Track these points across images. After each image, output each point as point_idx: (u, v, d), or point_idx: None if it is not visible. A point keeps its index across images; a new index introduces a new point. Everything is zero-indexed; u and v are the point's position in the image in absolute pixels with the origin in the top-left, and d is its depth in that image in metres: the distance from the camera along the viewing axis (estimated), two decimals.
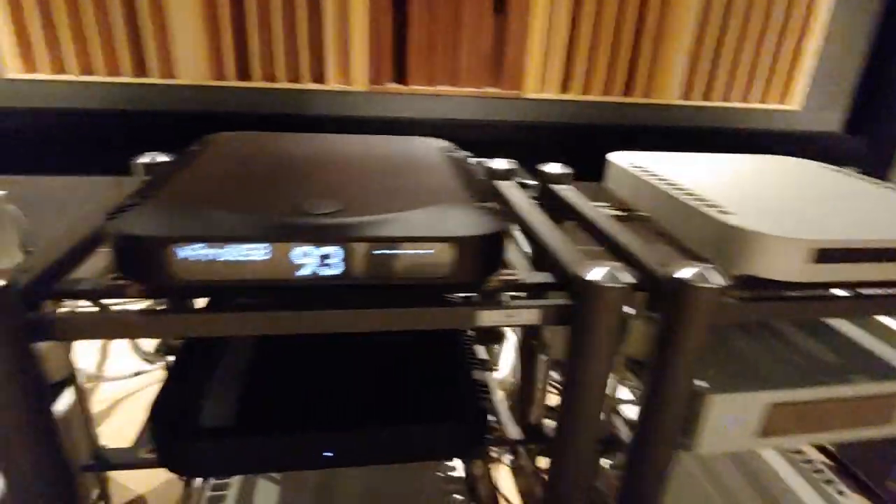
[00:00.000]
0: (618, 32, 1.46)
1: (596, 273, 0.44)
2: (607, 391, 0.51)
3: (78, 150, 1.39)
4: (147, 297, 0.43)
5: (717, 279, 0.44)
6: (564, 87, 1.50)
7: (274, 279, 0.41)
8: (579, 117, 1.52)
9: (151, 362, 1.19)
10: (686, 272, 0.44)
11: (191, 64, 1.36)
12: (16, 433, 0.42)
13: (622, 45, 1.47)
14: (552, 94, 1.49)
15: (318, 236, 0.41)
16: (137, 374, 1.14)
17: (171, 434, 0.48)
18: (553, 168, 0.74)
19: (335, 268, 0.41)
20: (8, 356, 0.40)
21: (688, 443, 0.56)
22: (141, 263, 0.40)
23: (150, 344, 1.28)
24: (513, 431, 0.59)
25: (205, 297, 0.45)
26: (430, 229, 0.42)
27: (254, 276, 0.41)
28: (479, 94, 1.48)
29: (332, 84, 1.42)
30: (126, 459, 0.54)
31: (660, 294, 0.48)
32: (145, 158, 0.68)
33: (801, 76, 1.53)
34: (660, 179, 0.64)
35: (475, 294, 0.46)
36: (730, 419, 0.55)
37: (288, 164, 0.54)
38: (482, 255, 0.43)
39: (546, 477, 0.55)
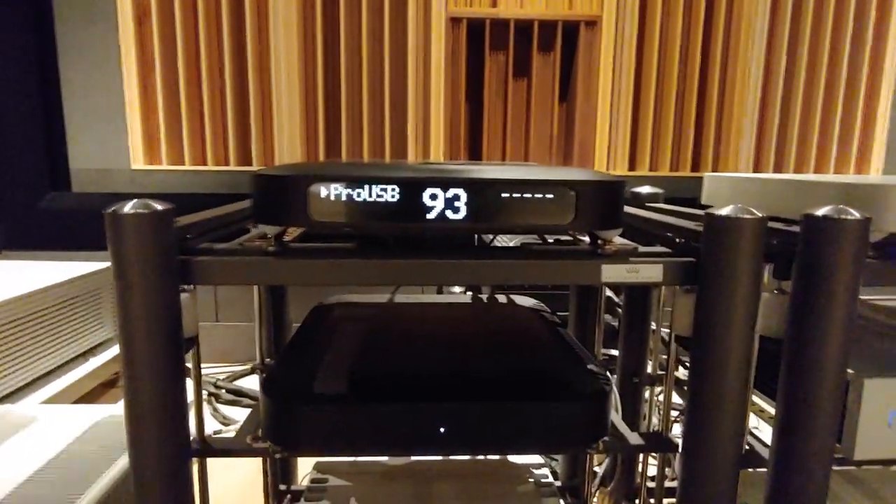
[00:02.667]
0: (680, 110, 1.53)
1: (727, 209, 0.43)
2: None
3: None
4: (282, 246, 0.45)
5: (856, 213, 0.41)
6: (632, 165, 1.55)
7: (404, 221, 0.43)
8: None
9: (227, 424, 1.18)
10: (823, 210, 0.42)
11: (286, 151, 1.51)
12: (150, 377, 0.43)
13: (686, 122, 1.53)
14: (622, 172, 1.54)
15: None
16: (216, 433, 1.13)
17: (283, 403, 0.47)
18: (645, 189, 0.75)
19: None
20: (163, 295, 0.42)
21: (838, 449, 0.49)
22: (281, 204, 0.43)
23: (227, 410, 1.28)
24: (630, 437, 0.54)
25: (338, 240, 0.47)
26: (546, 173, 0.44)
27: (385, 215, 0.43)
28: None
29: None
30: (232, 446, 0.53)
31: (790, 253, 0.45)
32: None
33: (877, 144, 1.52)
34: (765, 177, 0.63)
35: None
36: (893, 414, 0.48)
37: None
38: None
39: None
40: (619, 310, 0.83)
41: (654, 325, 0.75)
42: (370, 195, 0.42)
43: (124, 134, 1.51)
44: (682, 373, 0.53)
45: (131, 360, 0.43)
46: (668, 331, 0.57)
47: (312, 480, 0.73)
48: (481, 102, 1.53)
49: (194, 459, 0.50)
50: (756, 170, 1.53)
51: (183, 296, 0.45)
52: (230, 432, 1.16)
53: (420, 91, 1.50)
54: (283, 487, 0.83)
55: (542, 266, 0.44)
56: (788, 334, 0.46)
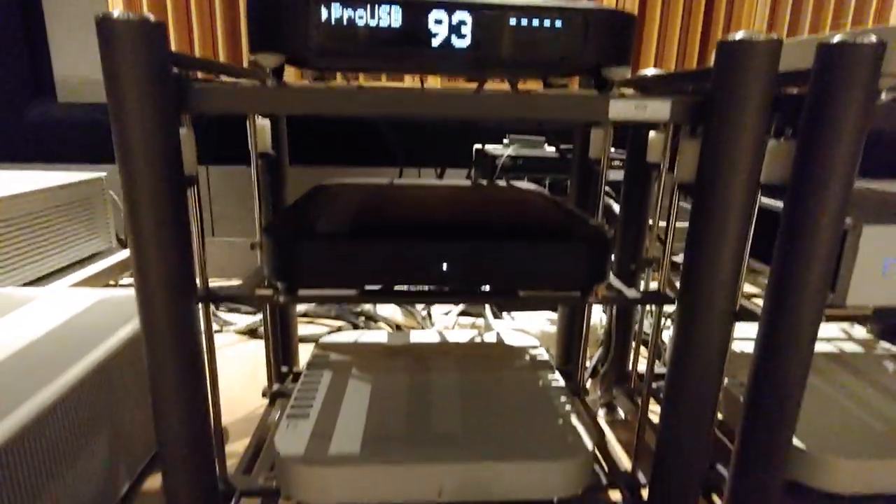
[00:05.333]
0: None
1: (740, 34, 0.42)
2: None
3: None
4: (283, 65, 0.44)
5: (872, 37, 0.40)
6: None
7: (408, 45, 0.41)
8: None
9: (227, 323, 1.20)
10: (838, 37, 0.41)
11: None
12: (154, 209, 0.42)
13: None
14: None
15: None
16: (216, 331, 1.15)
17: (287, 240, 0.47)
18: (650, 70, 0.74)
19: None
20: (161, 123, 0.41)
21: (831, 296, 0.50)
22: (279, 29, 0.41)
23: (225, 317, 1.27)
24: (627, 292, 0.55)
25: (341, 66, 0.45)
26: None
27: (388, 41, 0.41)
28: None
29: None
30: (237, 293, 0.53)
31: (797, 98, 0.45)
32: None
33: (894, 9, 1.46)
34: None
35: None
36: (888, 261, 0.49)
37: None
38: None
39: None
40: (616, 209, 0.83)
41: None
42: (373, 17, 0.41)
43: None
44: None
45: (133, 195, 0.42)
46: (664, 224, 0.57)
47: (314, 356, 0.74)
48: None
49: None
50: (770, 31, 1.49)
51: (181, 130, 0.44)
52: (229, 332, 1.18)
53: None
54: (284, 369, 0.85)
55: (550, 100, 0.43)
56: (792, 178, 0.46)
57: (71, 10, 1.46)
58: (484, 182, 0.76)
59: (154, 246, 0.44)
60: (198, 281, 0.50)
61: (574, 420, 0.61)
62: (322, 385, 0.66)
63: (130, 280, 1.28)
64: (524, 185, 0.76)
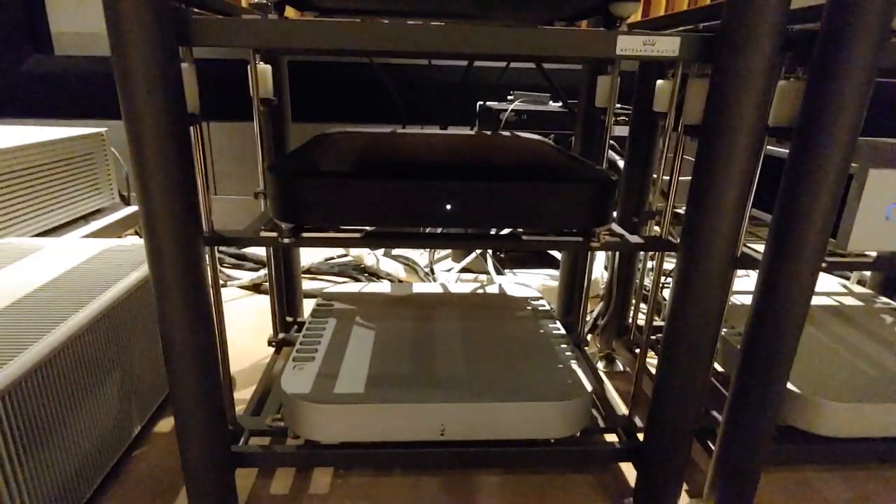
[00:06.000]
0: None
1: None
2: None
3: None
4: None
5: None
6: None
7: None
8: None
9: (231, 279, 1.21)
10: None
11: None
12: (158, 147, 0.42)
13: None
14: None
15: None
16: (222, 285, 1.16)
17: (292, 177, 0.47)
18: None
19: None
20: (162, 58, 0.40)
21: (832, 244, 0.50)
22: None
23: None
24: (630, 237, 0.55)
25: (342, 7, 0.45)
26: None
27: None
28: None
29: None
30: (241, 234, 0.53)
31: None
32: None
33: None
34: None
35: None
36: (891, 206, 0.49)
37: None
38: None
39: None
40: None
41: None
42: None
43: None
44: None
45: (137, 133, 0.42)
46: (668, 177, 0.57)
47: (318, 304, 0.75)
48: None
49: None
50: None
51: (182, 65, 0.43)
52: (233, 286, 1.19)
53: None
54: (289, 319, 0.87)
55: (556, 36, 0.43)
56: (800, 119, 0.45)
57: None
58: (488, 133, 0.76)
59: (160, 186, 0.44)
60: (203, 224, 0.51)
61: (574, 365, 0.62)
62: (327, 331, 0.67)
63: (134, 238, 1.29)
64: (528, 135, 0.75)
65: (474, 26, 0.42)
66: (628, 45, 0.43)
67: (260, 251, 1.33)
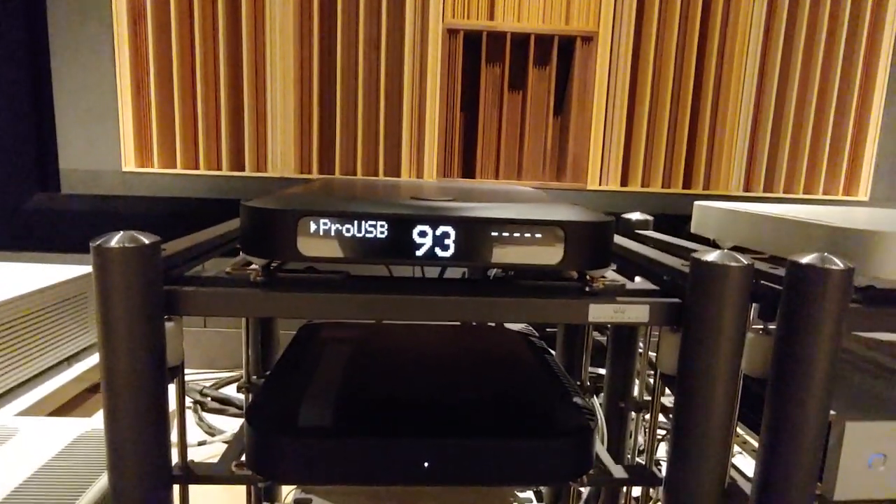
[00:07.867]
0: (673, 127, 1.54)
1: (713, 255, 0.43)
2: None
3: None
4: (269, 277, 0.45)
5: (840, 263, 0.42)
6: (624, 180, 1.56)
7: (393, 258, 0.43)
8: (640, 208, 1.56)
9: (213, 434, 1.17)
10: (808, 258, 0.42)
11: (279, 158, 1.51)
12: (132, 408, 0.43)
13: (678, 139, 1.54)
14: (614, 187, 1.54)
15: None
16: (201, 443, 1.13)
17: (266, 434, 0.47)
18: (635, 216, 0.76)
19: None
20: (147, 329, 0.41)
21: (819, 487, 0.50)
22: (269, 238, 0.43)
23: (213, 419, 1.27)
24: (614, 469, 0.54)
25: (327, 273, 0.47)
26: (536, 211, 0.44)
27: (375, 251, 0.42)
28: (543, 186, 1.55)
29: (405, 178, 1.54)
30: (215, 472, 0.52)
31: (774, 299, 0.46)
32: None
33: (865, 167, 1.54)
34: (754, 209, 0.64)
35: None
36: (872, 457, 0.49)
37: None
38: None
39: None
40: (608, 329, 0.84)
41: (641, 355, 0.75)
42: (359, 231, 0.42)
43: (116, 135, 1.49)
44: (668, 400, 0.53)
45: (113, 390, 0.43)
46: (655, 354, 0.57)
47: (296, 500, 0.73)
48: (477, 114, 1.53)
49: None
50: (747, 188, 1.55)
51: (168, 324, 0.45)
52: (215, 443, 1.15)
53: (415, 101, 1.50)
54: None
55: (530, 305, 0.44)
56: (772, 375, 0.46)
57: (80, 103, 1.52)
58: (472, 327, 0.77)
59: (130, 437, 0.43)
60: (176, 459, 0.50)
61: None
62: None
63: None
64: (512, 329, 0.76)
65: (462, 297, 0.44)
66: (599, 313, 0.45)
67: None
